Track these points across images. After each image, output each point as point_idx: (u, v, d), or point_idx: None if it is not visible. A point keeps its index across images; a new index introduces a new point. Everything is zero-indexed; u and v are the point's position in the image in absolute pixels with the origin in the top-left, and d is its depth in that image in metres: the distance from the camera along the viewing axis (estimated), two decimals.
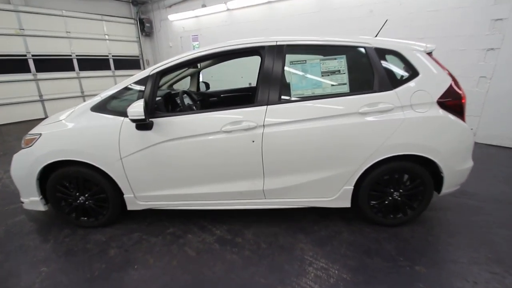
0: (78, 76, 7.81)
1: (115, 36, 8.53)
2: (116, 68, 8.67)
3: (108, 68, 8.53)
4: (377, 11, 4.85)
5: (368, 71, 1.94)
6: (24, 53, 6.70)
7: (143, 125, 1.91)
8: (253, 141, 1.91)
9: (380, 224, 2.18)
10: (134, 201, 2.17)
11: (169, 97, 2.59)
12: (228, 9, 6.78)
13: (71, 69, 7.65)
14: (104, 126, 2.02)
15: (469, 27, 4.05)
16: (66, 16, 7.34)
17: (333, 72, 1.94)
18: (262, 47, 2.00)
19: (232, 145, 1.94)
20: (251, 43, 2.01)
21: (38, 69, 6.97)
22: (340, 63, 1.94)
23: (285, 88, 1.97)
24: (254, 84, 3.42)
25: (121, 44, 8.74)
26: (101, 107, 2.08)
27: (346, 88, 1.94)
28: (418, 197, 2.11)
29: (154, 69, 2.03)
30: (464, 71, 4.12)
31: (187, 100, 2.86)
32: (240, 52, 2.07)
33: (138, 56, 9.33)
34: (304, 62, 1.96)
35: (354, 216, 2.34)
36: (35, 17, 6.78)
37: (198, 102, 3.10)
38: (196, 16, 7.53)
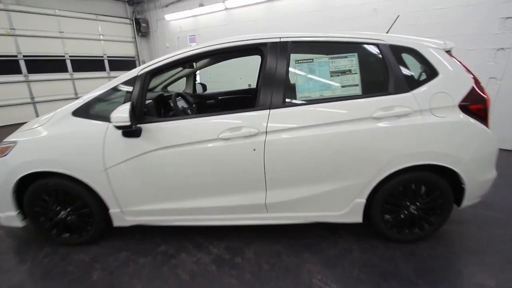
0: (71, 77, 7.55)
1: (110, 36, 8.28)
2: (111, 69, 8.41)
3: (103, 69, 8.26)
4: (381, 10, 4.67)
5: (382, 70, 1.74)
6: (15, 54, 6.44)
7: (129, 131, 1.70)
8: (254, 150, 1.70)
9: (395, 240, 1.97)
10: (121, 216, 1.95)
11: (161, 99, 2.37)
12: (226, 8, 6.59)
13: (64, 70, 7.39)
14: (87, 133, 1.81)
15: (477, 26, 3.87)
16: (59, 16, 7.10)
17: (343, 72, 1.74)
18: (264, 44, 1.79)
19: (230, 154, 1.73)
20: (251, 39, 1.81)
21: (30, 70, 6.71)
22: (351, 62, 1.74)
23: (290, 90, 1.76)
24: (254, 85, 3.22)
25: (116, 44, 8.49)
26: (83, 111, 1.86)
27: (358, 90, 1.74)
28: (436, 211, 1.90)
29: (143, 69, 1.82)
30: (473, 71, 3.93)
31: (181, 103, 2.64)
32: (239, 50, 1.87)
33: (134, 57, 9.10)
34: (311, 61, 1.75)
35: (364, 231, 2.12)
36: (26, 16, 6.54)
37: (193, 105, 2.88)
38: (194, 16, 7.34)
